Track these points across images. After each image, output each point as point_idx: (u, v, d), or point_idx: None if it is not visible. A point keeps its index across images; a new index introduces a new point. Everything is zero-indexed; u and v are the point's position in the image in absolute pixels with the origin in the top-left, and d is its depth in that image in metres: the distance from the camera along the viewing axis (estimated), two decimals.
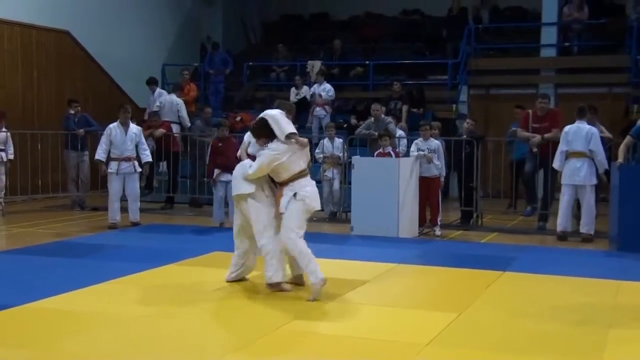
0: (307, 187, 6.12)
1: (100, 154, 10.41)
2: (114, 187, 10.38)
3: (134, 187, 10.50)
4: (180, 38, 17.81)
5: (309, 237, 9.43)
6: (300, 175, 6.10)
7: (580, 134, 9.38)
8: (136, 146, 10.51)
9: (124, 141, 10.36)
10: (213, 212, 10.57)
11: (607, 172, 9.51)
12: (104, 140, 10.42)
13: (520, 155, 11.30)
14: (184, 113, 13.40)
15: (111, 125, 10.47)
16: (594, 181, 9.43)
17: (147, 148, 10.73)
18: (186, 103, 13.71)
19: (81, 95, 14.14)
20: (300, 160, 6.15)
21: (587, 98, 12.38)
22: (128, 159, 10.39)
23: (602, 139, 9.72)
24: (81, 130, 12.20)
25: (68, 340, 4.84)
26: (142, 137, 10.66)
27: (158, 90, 14.04)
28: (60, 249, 8.42)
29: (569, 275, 7.14)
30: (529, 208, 10.81)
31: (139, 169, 10.54)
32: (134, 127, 10.60)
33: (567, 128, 9.52)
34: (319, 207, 6.22)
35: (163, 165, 12.82)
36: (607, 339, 4.99)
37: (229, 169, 10.46)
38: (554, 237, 9.72)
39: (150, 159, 10.86)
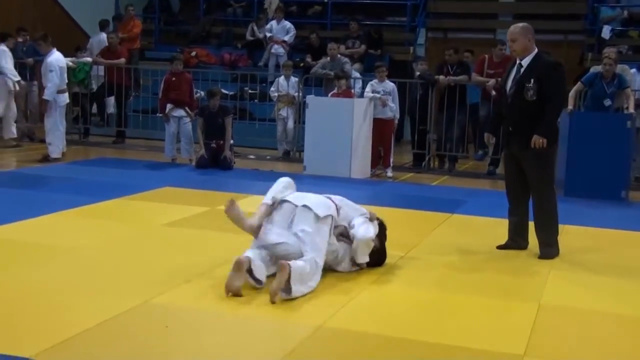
0: None
1: None
2: None
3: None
4: None
5: (262, 176, 9.42)
6: None
7: None
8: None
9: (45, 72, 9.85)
10: (165, 148, 10.47)
11: None
12: None
13: (473, 100, 11.35)
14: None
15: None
16: None
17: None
18: (129, 39, 13.39)
19: (30, 23, 13.67)
20: None
21: (543, 45, 12.34)
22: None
23: None
24: (30, 60, 11.86)
25: (12, 270, 4.79)
26: (46, 70, 9.79)
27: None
28: (7, 180, 8.27)
29: None
30: (480, 152, 10.96)
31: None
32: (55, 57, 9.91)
33: None
34: None
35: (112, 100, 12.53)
36: (548, 279, 5.14)
37: (182, 104, 10.42)
38: (503, 181, 9.84)
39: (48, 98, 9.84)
